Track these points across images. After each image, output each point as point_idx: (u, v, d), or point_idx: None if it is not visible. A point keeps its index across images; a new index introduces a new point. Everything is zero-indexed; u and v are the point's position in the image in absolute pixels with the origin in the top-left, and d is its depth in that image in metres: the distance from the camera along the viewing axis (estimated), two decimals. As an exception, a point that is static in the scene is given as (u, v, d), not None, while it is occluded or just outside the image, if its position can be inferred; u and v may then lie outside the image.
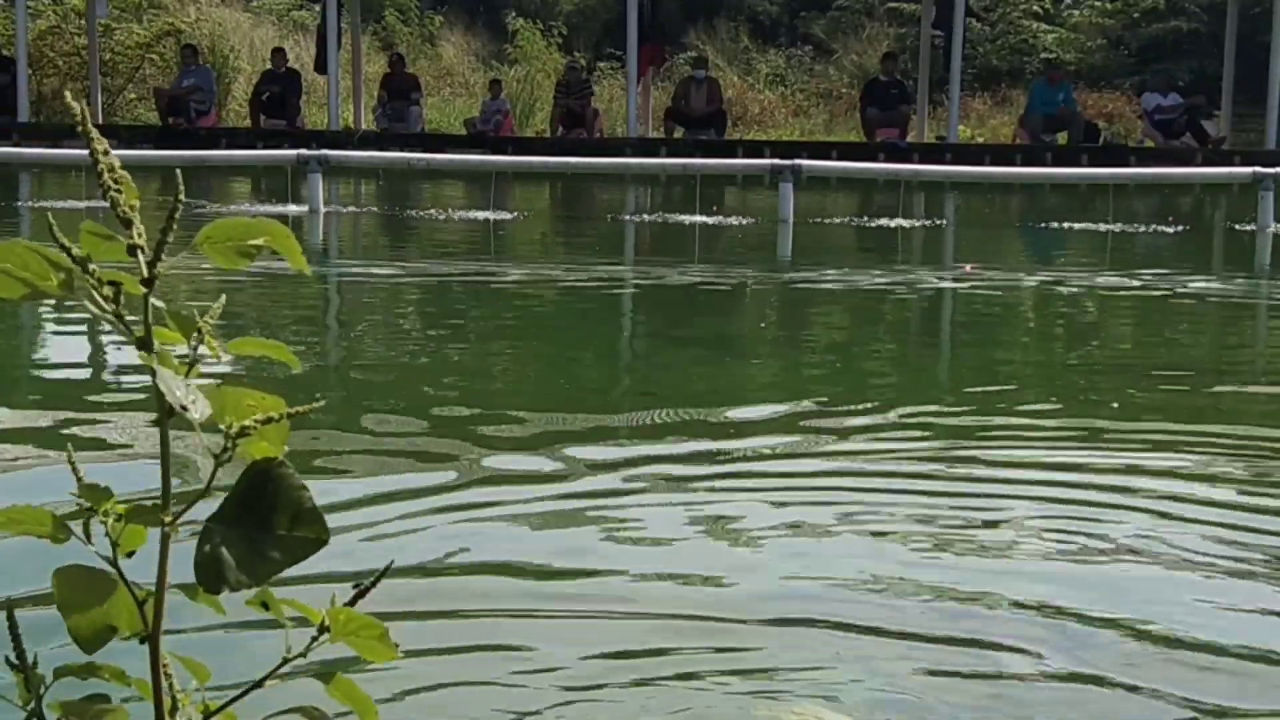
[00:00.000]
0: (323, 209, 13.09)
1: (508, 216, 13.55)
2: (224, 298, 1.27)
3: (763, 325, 7.77)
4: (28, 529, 1.20)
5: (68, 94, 1.18)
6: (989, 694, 2.56)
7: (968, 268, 9.85)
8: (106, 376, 5.79)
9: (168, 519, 1.19)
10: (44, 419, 4.71)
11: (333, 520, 1.21)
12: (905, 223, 13.56)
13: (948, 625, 2.90)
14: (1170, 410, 5.30)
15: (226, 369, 4.66)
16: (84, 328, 6.57)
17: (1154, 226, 13.39)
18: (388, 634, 1.27)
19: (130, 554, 1.21)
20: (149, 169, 13.50)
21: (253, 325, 6.61)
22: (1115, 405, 5.28)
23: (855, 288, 9.04)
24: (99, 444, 4.25)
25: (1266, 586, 3.21)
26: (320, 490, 1.20)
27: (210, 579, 1.14)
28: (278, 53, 21.95)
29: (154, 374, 1.12)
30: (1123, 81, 29.18)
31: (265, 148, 17.13)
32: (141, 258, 1.13)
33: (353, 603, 1.28)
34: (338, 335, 6.98)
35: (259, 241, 1.17)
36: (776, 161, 13.40)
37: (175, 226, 1.14)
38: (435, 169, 16.38)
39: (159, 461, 1.19)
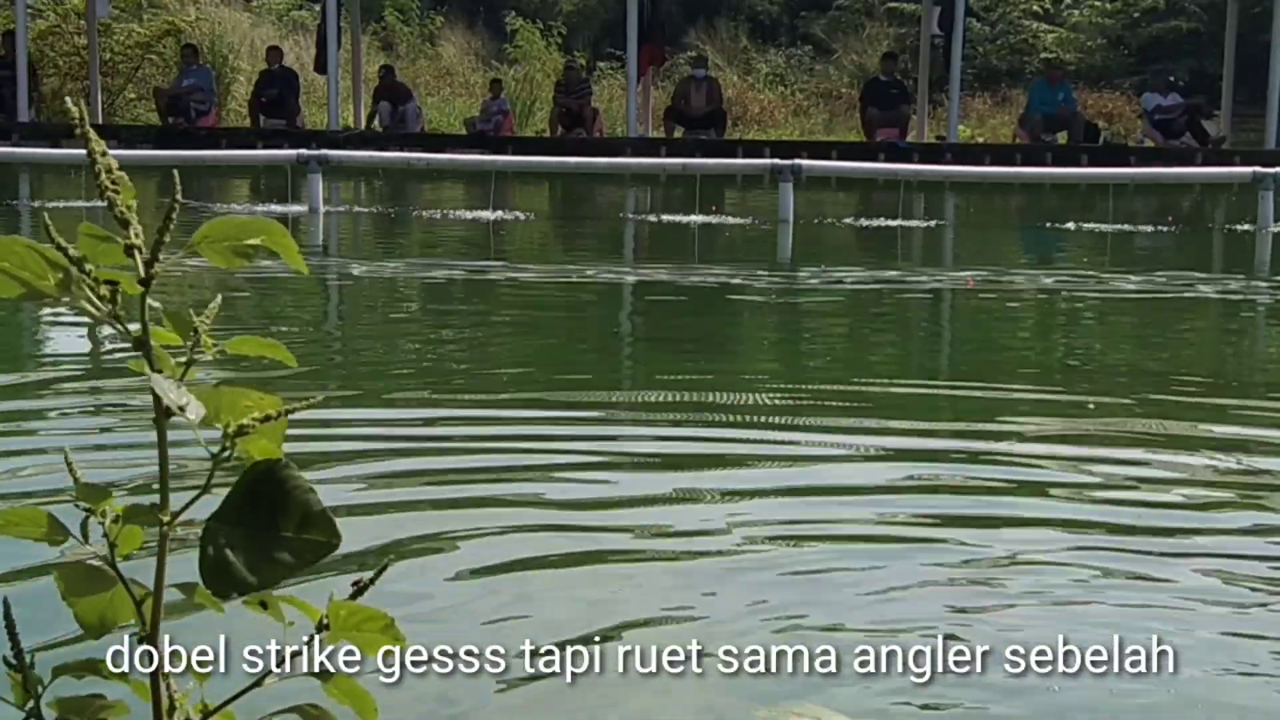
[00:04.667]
0: (322, 209, 13.09)
1: (508, 216, 13.54)
2: (220, 298, 1.28)
3: (759, 325, 7.76)
4: (24, 531, 1.20)
5: (68, 99, 1.18)
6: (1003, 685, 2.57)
7: (970, 282, 9.59)
8: (106, 372, 5.78)
9: (165, 519, 1.18)
10: (42, 416, 4.70)
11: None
12: (904, 223, 13.54)
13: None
14: (1163, 411, 5.30)
15: (228, 369, 4.65)
16: (84, 323, 6.56)
17: (1154, 226, 13.38)
18: (394, 623, 1.26)
19: (126, 557, 1.21)
20: (149, 169, 13.52)
21: (252, 324, 6.60)
22: (1092, 406, 5.29)
23: (853, 288, 9.03)
24: (97, 442, 4.25)
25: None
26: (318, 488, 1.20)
27: (218, 582, 1.13)
28: (273, 50, 21.89)
29: (150, 378, 1.12)
30: (1123, 81, 29.15)
31: (265, 147, 17.12)
32: (139, 258, 1.13)
33: (352, 599, 1.27)
34: (336, 334, 6.98)
35: (255, 241, 1.17)
36: (776, 161, 13.38)
37: (172, 226, 1.14)
38: (435, 169, 16.36)
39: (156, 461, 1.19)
